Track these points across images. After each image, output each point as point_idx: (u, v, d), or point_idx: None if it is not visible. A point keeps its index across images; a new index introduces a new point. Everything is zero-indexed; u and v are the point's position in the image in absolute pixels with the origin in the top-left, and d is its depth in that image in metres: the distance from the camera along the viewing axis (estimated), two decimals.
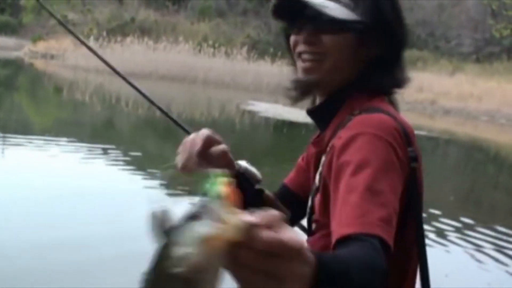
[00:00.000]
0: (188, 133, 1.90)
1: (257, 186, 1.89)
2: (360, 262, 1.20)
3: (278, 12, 1.73)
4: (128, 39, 38.37)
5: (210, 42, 38.99)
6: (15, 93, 23.64)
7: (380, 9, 1.64)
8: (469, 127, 27.71)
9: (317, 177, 1.71)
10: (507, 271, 7.20)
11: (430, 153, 17.98)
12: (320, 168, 1.69)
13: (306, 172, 1.96)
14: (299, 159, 2.05)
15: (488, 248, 7.97)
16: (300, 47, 1.69)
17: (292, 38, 1.72)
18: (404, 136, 1.52)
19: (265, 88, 31.98)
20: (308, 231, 1.78)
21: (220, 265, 0.84)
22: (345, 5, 1.62)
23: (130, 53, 34.44)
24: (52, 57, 41.34)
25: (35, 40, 50.54)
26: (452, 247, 7.79)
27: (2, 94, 22.24)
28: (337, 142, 1.54)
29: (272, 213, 0.86)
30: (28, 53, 46.43)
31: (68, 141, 12.21)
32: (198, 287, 0.82)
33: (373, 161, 1.42)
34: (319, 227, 1.66)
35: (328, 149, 1.63)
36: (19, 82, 28.23)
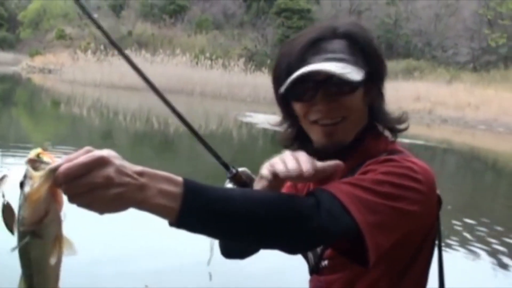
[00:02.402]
0: (228, 169, 1.91)
1: None
2: (258, 199, 1.31)
3: (288, 85, 1.65)
4: (126, 52, 38.44)
5: (207, 54, 39.10)
6: (13, 107, 23.66)
7: (376, 56, 1.68)
8: (467, 136, 27.73)
9: None
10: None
11: (428, 162, 17.98)
12: None
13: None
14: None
15: (488, 256, 7.97)
16: (317, 114, 1.66)
17: (301, 107, 1.69)
18: (434, 181, 1.58)
19: (263, 100, 32.03)
20: (315, 268, 1.76)
21: (50, 207, 1.11)
22: (350, 62, 1.62)
23: (128, 67, 34.26)
24: (49, 71, 41.45)
25: (32, 55, 50.69)
26: (451, 255, 7.79)
27: (1, 109, 22.26)
28: (366, 164, 1.57)
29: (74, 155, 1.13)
30: (25, 68, 46.53)
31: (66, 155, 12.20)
32: (44, 233, 1.11)
33: (395, 179, 1.46)
34: (333, 265, 1.68)
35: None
36: (17, 97, 28.27)
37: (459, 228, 9.33)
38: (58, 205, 1.14)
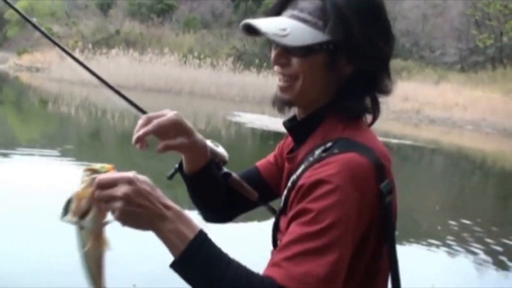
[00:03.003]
0: (144, 113, 1.99)
1: (224, 170, 2.02)
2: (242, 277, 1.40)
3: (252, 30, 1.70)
4: (113, 51, 38.29)
5: (196, 54, 39.01)
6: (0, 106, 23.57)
7: (348, 27, 1.60)
8: (455, 136, 27.84)
9: (283, 198, 1.71)
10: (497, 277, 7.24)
11: (416, 162, 18.04)
12: (286, 192, 1.69)
13: (279, 166, 2.02)
14: (276, 149, 2.10)
15: (475, 256, 8.01)
16: (275, 67, 1.72)
17: (272, 56, 1.73)
18: (376, 173, 1.54)
19: (251, 99, 32.06)
20: (273, 244, 1.78)
21: (91, 208, 1.38)
22: (313, 25, 1.62)
23: (116, 65, 34.37)
24: (37, 70, 41.30)
25: (20, 53, 50.46)
26: (438, 255, 7.82)
27: None
28: (305, 181, 1.53)
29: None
30: (13, 66, 46.30)
31: (54, 154, 12.18)
32: (85, 226, 1.39)
33: (329, 215, 1.44)
34: None
35: (294, 183, 1.62)
36: (4, 95, 28.14)
37: (447, 228, 9.37)
38: (100, 208, 1.39)
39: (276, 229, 1.75)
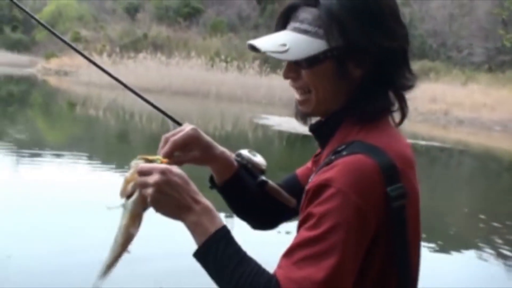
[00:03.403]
0: (179, 124, 2.02)
1: (261, 178, 2.01)
2: (250, 276, 1.46)
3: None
4: (141, 55, 38.52)
5: (222, 57, 39.12)
6: (28, 109, 23.79)
7: (346, 31, 1.60)
8: (483, 137, 27.62)
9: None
10: None
11: (444, 164, 17.93)
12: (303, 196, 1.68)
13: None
14: (314, 155, 2.09)
15: (504, 258, 7.94)
16: (289, 81, 1.76)
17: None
18: (385, 176, 1.52)
19: (278, 102, 32.05)
20: None
21: (135, 191, 1.53)
22: (314, 35, 1.62)
23: (143, 69, 34.58)
24: (65, 73, 41.65)
25: (48, 57, 50.91)
26: (466, 256, 7.77)
27: (16, 110, 22.38)
28: (311, 186, 1.55)
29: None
30: (41, 70, 46.73)
31: (82, 156, 12.27)
32: (127, 207, 1.53)
33: (330, 219, 1.45)
34: None
35: (309, 181, 1.64)
36: (33, 98, 28.39)
37: (475, 230, 9.30)
38: (142, 194, 1.53)
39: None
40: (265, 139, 19.95)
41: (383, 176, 1.51)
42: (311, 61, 1.63)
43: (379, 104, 1.68)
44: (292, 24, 1.67)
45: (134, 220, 1.54)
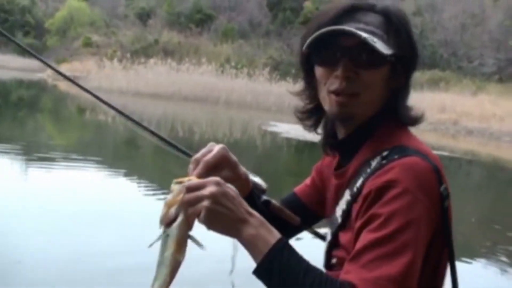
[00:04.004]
0: (190, 156, 1.94)
1: (264, 197, 2.01)
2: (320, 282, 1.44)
3: (314, 45, 1.68)
4: (152, 60, 38.62)
5: (233, 63, 39.22)
6: (38, 114, 23.86)
7: (408, 41, 1.69)
8: (492, 148, 27.54)
9: (339, 212, 1.73)
10: None
11: (453, 173, 17.90)
12: (344, 206, 1.70)
13: (319, 187, 2.03)
14: (313, 171, 2.10)
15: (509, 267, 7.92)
16: (335, 82, 1.67)
17: (323, 71, 1.70)
18: (437, 176, 1.56)
19: (287, 109, 32.03)
20: (326, 263, 1.78)
21: (179, 214, 1.45)
22: (381, 38, 1.63)
23: (154, 74, 34.66)
24: (75, 78, 41.51)
25: (59, 62, 51.04)
26: (472, 272, 7.74)
27: (26, 115, 22.46)
28: (371, 188, 1.55)
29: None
30: (51, 75, 46.82)
31: (90, 162, 12.29)
32: (171, 233, 1.44)
33: (399, 218, 1.47)
34: (342, 263, 1.66)
35: (355, 196, 1.64)
36: (43, 103, 28.50)
37: (481, 239, 9.28)
38: (187, 217, 1.46)
39: (332, 246, 1.75)
40: (274, 146, 19.95)
41: (436, 177, 1.56)
42: (379, 61, 1.64)
43: (414, 111, 1.75)
44: (354, 24, 1.64)
45: (180, 246, 1.46)
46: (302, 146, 19.70)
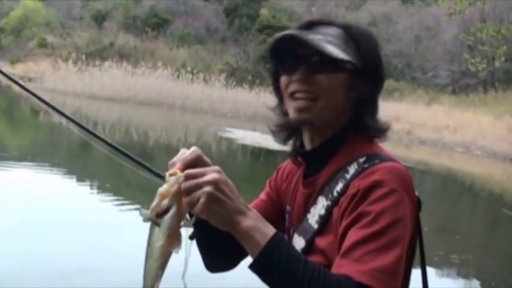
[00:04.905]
0: (162, 177, 1.94)
1: None
2: (324, 277, 1.44)
3: (273, 53, 1.76)
4: (107, 63, 38.24)
5: (189, 68, 39.03)
6: None
7: (370, 54, 1.74)
8: (445, 158, 27.91)
9: (315, 219, 1.74)
10: None
11: None
12: (322, 212, 1.72)
13: (275, 202, 2.03)
14: (267, 186, 2.10)
15: (462, 281, 8.03)
16: (293, 86, 1.73)
17: (284, 79, 1.76)
18: (412, 183, 1.65)
19: (243, 115, 32.08)
20: None
21: (171, 207, 1.43)
22: (337, 46, 1.69)
23: (109, 78, 34.36)
24: (30, 79, 41.17)
25: (13, 62, 50.45)
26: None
27: None
28: (359, 188, 1.59)
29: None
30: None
31: (43, 166, 12.15)
32: (162, 225, 1.42)
33: (388, 215, 1.53)
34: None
35: (336, 200, 1.67)
36: None
37: (432, 248, 9.38)
38: (180, 209, 1.44)
39: (307, 251, 1.75)
40: (229, 152, 19.94)
41: (412, 183, 1.65)
42: (335, 66, 1.68)
43: (381, 123, 1.81)
44: (314, 36, 1.70)
45: (172, 238, 1.44)
46: (257, 153, 19.73)
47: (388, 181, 1.57)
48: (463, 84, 49.73)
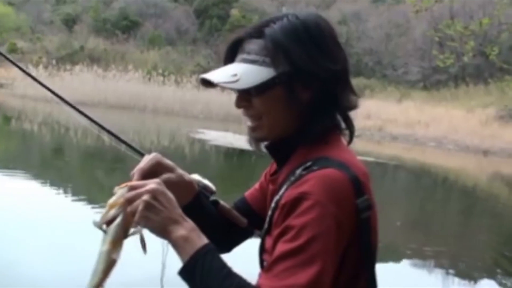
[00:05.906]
0: (142, 155, 2.03)
1: (212, 197, 2.06)
2: None
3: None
4: (78, 67, 37.95)
5: (160, 71, 38.86)
6: None
7: (291, 57, 1.69)
8: (417, 153, 28.08)
9: (268, 218, 1.76)
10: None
11: (378, 178, 18.17)
12: (270, 212, 1.74)
13: (264, 193, 2.05)
14: (262, 177, 2.14)
15: (437, 272, 8.10)
16: (241, 110, 1.81)
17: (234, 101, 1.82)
18: (354, 188, 1.60)
19: (215, 117, 32.02)
20: (260, 265, 1.81)
21: (117, 216, 1.54)
22: (262, 64, 1.70)
23: (80, 82, 34.11)
24: (0, 85, 40.85)
25: None
26: (398, 273, 7.88)
27: None
28: (286, 200, 1.60)
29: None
30: None
31: (16, 172, 12.07)
32: (108, 232, 1.53)
33: (309, 230, 1.51)
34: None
35: (277, 202, 1.68)
36: None
37: (406, 243, 9.46)
38: (126, 218, 1.55)
39: (262, 250, 1.79)
40: (202, 154, 19.92)
41: (353, 189, 1.59)
42: (261, 88, 1.70)
43: (325, 124, 1.75)
44: (240, 56, 1.75)
45: (115, 245, 1.54)
46: (230, 153, 19.74)
47: (313, 192, 1.54)
48: (434, 80, 50.04)
